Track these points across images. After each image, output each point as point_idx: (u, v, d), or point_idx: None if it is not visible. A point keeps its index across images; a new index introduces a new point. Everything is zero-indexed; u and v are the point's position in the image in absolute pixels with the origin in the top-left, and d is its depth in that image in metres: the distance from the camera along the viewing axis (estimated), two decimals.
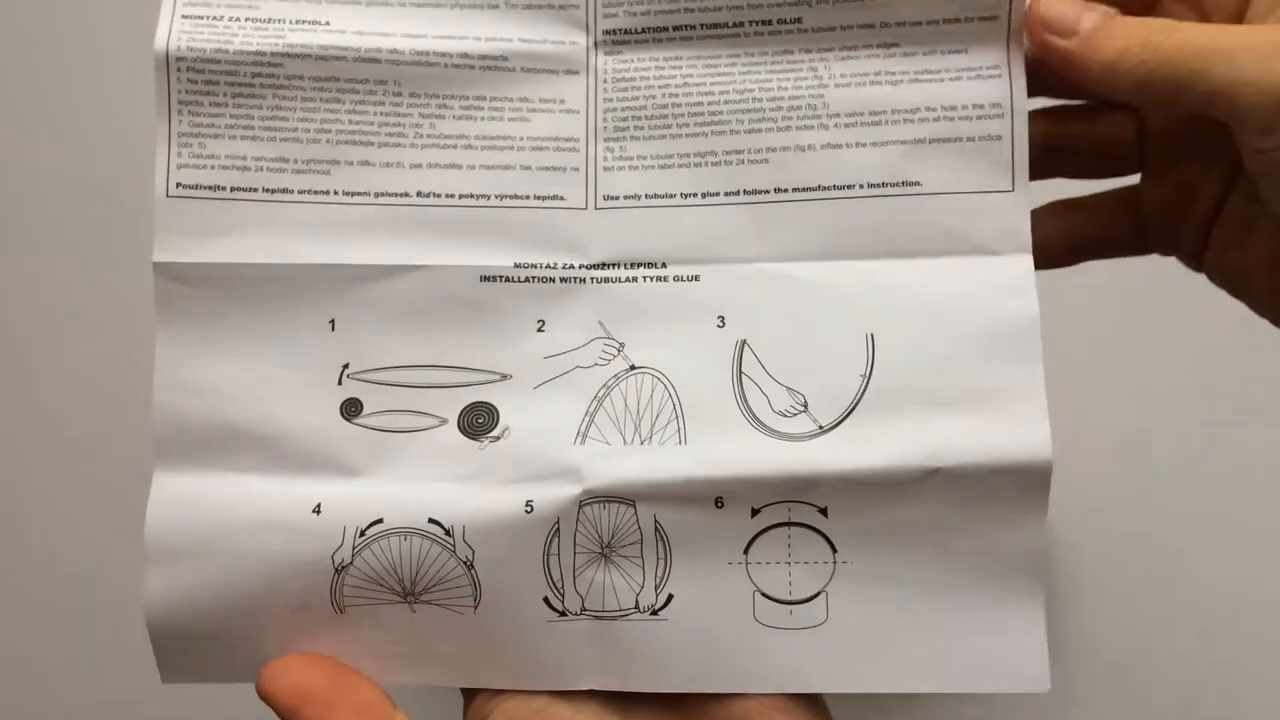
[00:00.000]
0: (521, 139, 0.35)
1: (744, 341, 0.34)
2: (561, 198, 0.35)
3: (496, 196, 0.35)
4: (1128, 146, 0.36)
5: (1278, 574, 0.52)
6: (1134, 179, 0.37)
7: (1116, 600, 0.52)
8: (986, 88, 0.34)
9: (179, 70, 0.34)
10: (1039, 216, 0.35)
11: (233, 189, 0.34)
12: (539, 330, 0.35)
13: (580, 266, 0.35)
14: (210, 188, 0.34)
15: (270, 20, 0.35)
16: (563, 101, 0.35)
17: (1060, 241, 0.36)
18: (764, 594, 0.33)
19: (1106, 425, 0.52)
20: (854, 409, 0.33)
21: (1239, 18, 0.31)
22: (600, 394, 0.34)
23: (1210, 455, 0.52)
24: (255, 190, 0.34)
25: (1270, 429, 0.52)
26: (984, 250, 0.34)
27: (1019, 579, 0.33)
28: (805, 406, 0.34)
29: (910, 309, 0.34)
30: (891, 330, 0.34)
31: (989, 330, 0.33)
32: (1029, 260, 0.33)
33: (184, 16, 0.34)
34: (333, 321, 0.35)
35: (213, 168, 0.34)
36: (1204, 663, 0.52)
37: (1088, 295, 0.49)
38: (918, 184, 0.34)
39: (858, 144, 0.34)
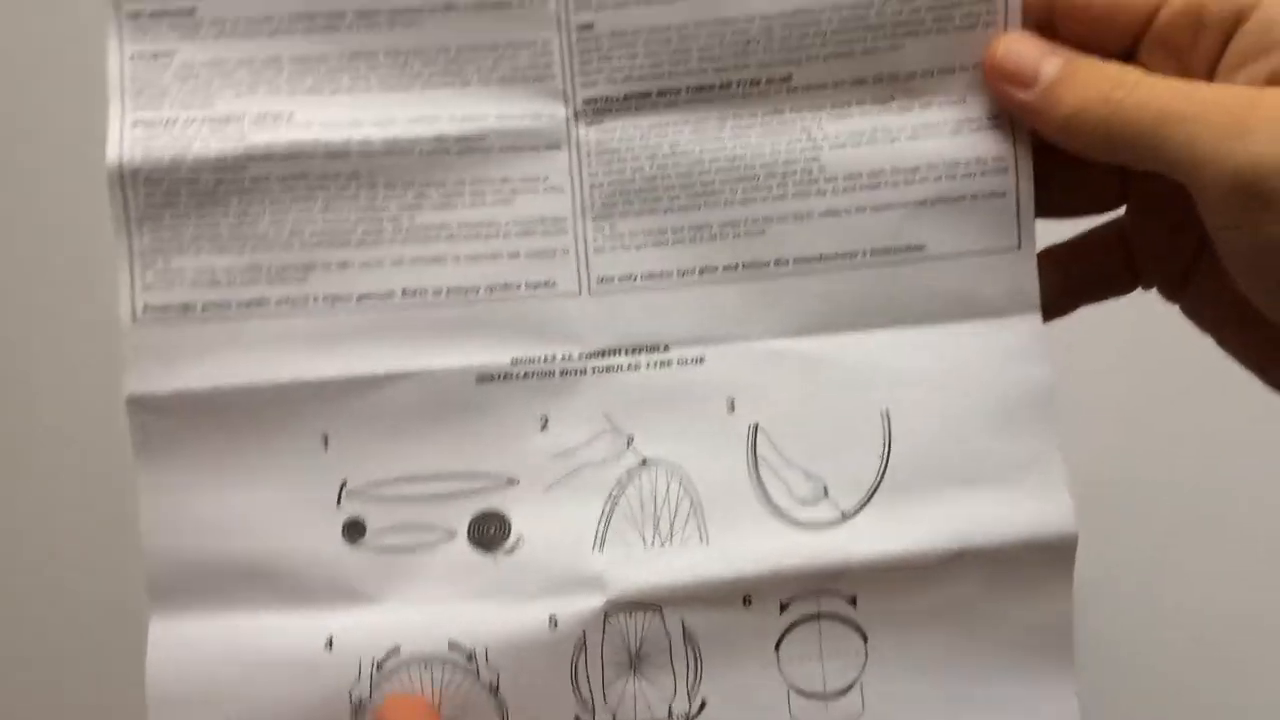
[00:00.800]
0: (506, 223, 0.33)
1: (756, 425, 0.33)
2: (553, 284, 0.33)
3: (486, 289, 0.33)
4: (1110, 179, 0.34)
5: (1277, 573, 0.52)
6: (1118, 213, 0.36)
7: (1116, 601, 0.53)
8: (988, 141, 0.32)
9: (135, 184, 0.32)
10: None
11: (204, 306, 0.32)
12: (543, 428, 0.33)
13: (580, 356, 0.33)
14: (180, 307, 0.32)
15: (229, 118, 0.32)
16: (546, 179, 0.33)
17: (1059, 291, 0.35)
18: (799, 690, 0.33)
19: (1103, 426, 0.52)
20: (875, 492, 0.32)
21: (1214, 65, 0.30)
22: (614, 493, 0.33)
23: (1209, 455, 0.52)
24: (229, 305, 0.32)
25: (1270, 427, 0.52)
26: (993, 312, 0.33)
27: (1048, 652, 0.33)
28: (825, 492, 0.33)
29: (923, 381, 0.33)
30: (906, 405, 0.33)
31: (1003, 400, 0.32)
32: (1039, 319, 0.33)
33: (135, 124, 0.32)
34: (325, 437, 0.33)
35: (181, 285, 0.32)
36: (1203, 662, 0.52)
37: None
38: (922, 247, 0.33)
39: (858, 209, 0.33)
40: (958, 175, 0.32)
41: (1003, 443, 0.32)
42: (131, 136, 0.32)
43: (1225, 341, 0.34)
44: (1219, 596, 0.52)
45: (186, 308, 0.32)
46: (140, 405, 0.32)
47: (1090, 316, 0.36)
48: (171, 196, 0.32)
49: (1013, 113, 0.32)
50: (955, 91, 0.32)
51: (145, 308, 0.32)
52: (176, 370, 0.32)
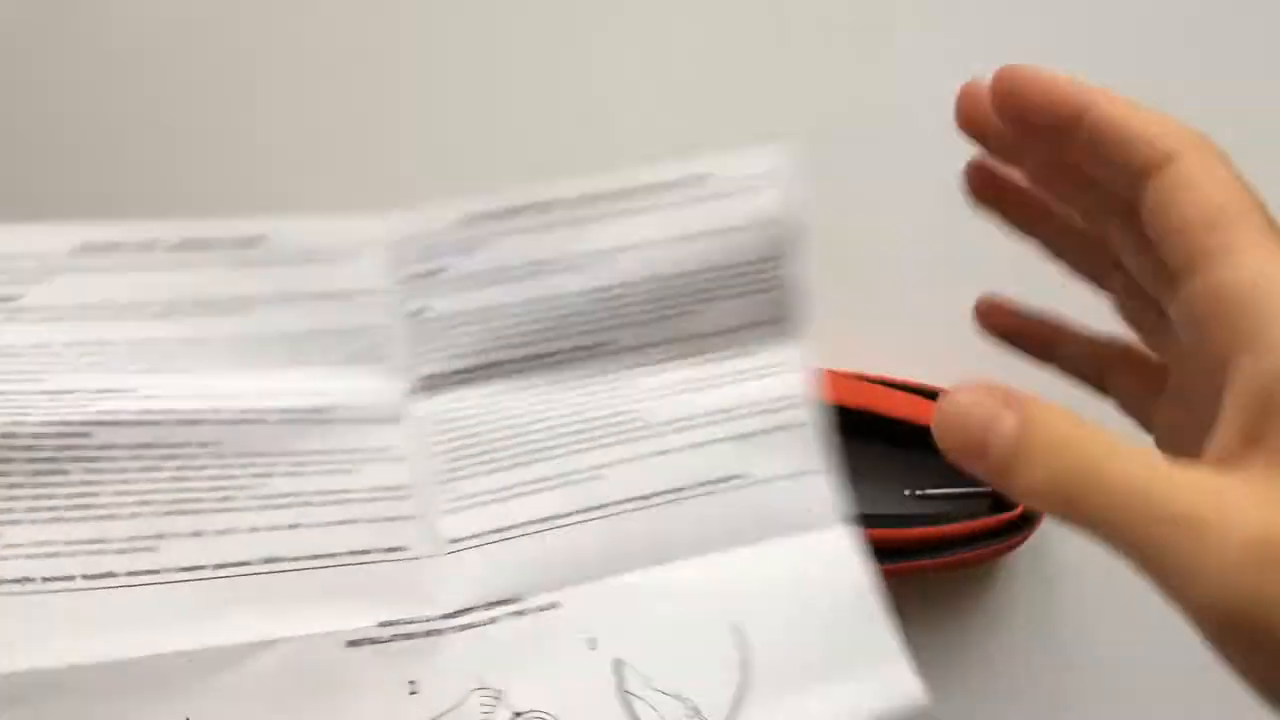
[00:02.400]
0: (356, 491, 0.34)
1: (620, 660, 0.34)
2: (405, 548, 0.34)
3: (346, 553, 0.33)
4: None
5: None
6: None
7: (1113, 595, 0.53)
8: (785, 381, 0.38)
9: None
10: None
11: (44, 579, 0.29)
12: (412, 693, 0.32)
13: (439, 618, 0.33)
14: (15, 581, 0.29)
15: (64, 392, 0.31)
16: (389, 449, 0.35)
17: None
18: None
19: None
20: (740, 703, 0.34)
21: (1216, 402, 0.24)
22: None
23: None
24: (73, 579, 0.29)
25: None
26: (811, 527, 0.37)
27: None
28: (697, 711, 0.34)
29: (764, 594, 0.36)
30: (753, 617, 0.35)
31: (834, 601, 0.36)
32: (848, 530, 0.37)
33: None
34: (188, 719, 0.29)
35: (16, 558, 0.29)
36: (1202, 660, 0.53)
37: None
38: (745, 475, 0.37)
39: (687, 446, 0.37)
40: (765, 410, 0.37)
41: (843, 639, 0.35)
42: None
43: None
44: None
45: (23, 580, 0.29)
46: None
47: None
48: (4, 465, 0.29)
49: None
50: (756, 345, 0.38)
51: None
52: (16, 649, 0.28)
